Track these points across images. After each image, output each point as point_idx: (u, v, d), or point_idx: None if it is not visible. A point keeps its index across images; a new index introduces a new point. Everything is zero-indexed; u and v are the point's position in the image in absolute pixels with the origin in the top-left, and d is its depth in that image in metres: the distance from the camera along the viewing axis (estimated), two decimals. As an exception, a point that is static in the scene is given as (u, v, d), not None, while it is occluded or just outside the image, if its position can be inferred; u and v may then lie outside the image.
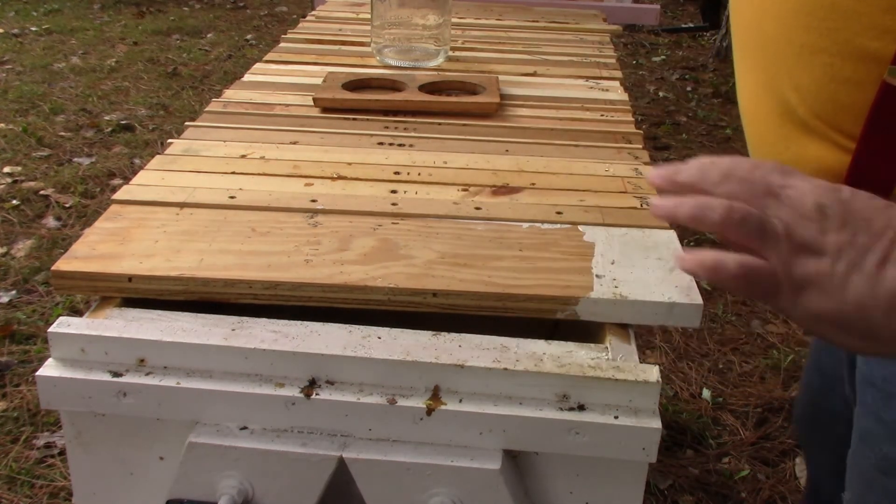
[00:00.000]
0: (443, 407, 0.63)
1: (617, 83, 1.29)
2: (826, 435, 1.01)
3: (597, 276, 0.73)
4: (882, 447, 0.72)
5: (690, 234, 2.69)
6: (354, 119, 1.09)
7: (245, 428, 0.65)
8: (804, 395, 1.09)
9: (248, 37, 5.16)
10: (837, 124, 0.66)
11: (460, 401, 0.64)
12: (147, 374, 0.65)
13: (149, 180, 0.88)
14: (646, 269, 0.75)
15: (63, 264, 0.71)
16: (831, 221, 0.53)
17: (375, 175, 0.91)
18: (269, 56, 1.37)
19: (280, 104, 1.13)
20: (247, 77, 1.25)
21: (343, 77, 1.19)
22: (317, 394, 0.64)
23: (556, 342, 0.69)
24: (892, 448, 0.71)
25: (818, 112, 0.67)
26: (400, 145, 1.00)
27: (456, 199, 0.86)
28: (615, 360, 0.66)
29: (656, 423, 0.63)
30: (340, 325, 0.69)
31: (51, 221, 2.69)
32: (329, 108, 1.11)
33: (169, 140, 0.99)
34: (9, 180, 2.97)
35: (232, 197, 0.85)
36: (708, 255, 0.56)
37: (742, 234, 0.55)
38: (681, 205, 0.57)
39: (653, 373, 0.64)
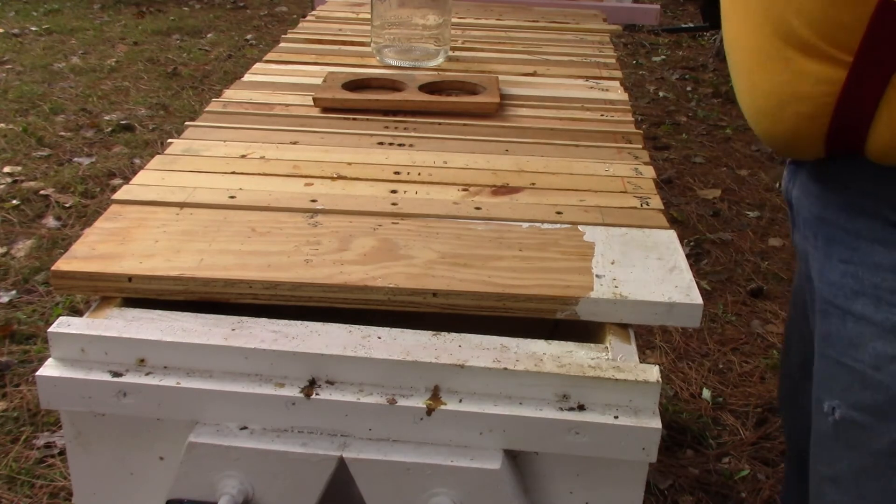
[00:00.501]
0: (443, 407, 0.63)
1: (617, 83, 1.29)
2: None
3: (597, 276, 0.73)
4: (875, 346, 0.77)
5: (690, 234, 2.69)
6: (354, 119, 1.09)
7: (245, 428, 0.65)
8: (789, 364, 1.14)
9: (248, 37, 5.16)
10: (837, 41, 0.71)
11: (460, 401, 0.64)
12: (147, 374, 0.65)
13: (149, 180, 0.88)
14: (646, 269, 0.75)
15: (63, 264, 0.71)
16: None
17: (375, 175, 0.91)
18: (269, 56, 1.37)
19: (280, 104, 1.13)
20: (247, 77, 1.25)
21: (343, 77, 1.19)
22: (317, 394, 0.64)
23: (556, 342, 0.69)
24: (884, 344, 0.76)
25: (820, 32, 0.72)
26: (400, 145, 1.00)
27: (456, 199, 0.86)
28: (615, 360, 0.66)
29: (656, 423, 0.63)
30: (340, 325, 0.69)
31: (51, 221, 2.69)
32: (329, 108, 1.11)
33: (169, 140, 0.99)
34: (9, 180, 2.96)
35: (232, 197, 0.85)
36: None
37: None
38: None
39: (653, 373, 0.64)
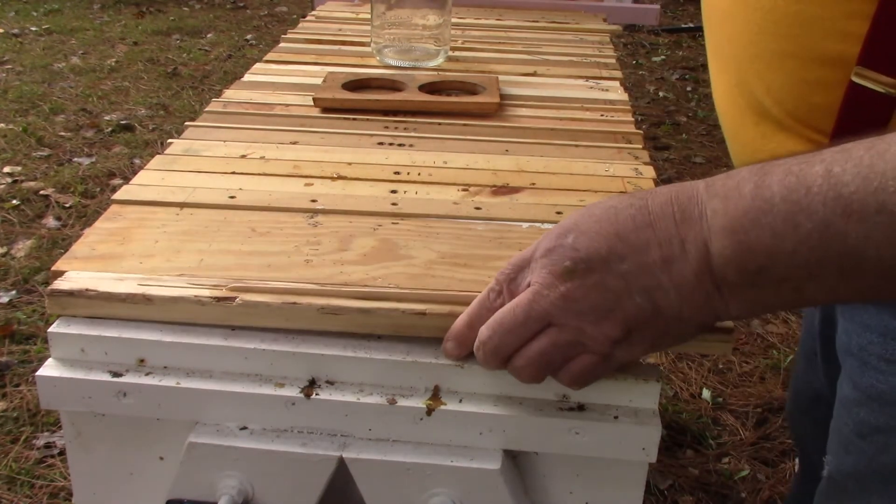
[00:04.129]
0: (443, 407, 0.63)
1: (617, 83, 1.29)
2: (811, 416, 1.05)
3: (597, 276, 0.73)
4: (859, 412, 0.74)
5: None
6: (354, 119, 1.09)
7: (245, 428, 0.65)
8: (793, 382, 1.13)
9: (248, 37, 5.16)
10: (811, 122, 0.70)
11: (460, 401, 0.64)
12: (147, 374, 0.65)
13: (149, 180, 0.88)
14: (646, 269, 0.75)
15: (63, 264, 0.71)
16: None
17: (375, 175, 0.91)
18: (269, 56, 1.37)
19: (280, 104, 1.13)
20: (247, 77, 1.25)
21: (343, 77, 1.19)
22: (317, 394, 0.64)
23: (556, 342, 0.69)
24: (868, 413, 0.73)
25: (791, 112, 0.70)
26: (400, 145, 1.00)
27: (456, 199, 0.86)
28: (615, 360, 0.66)
29: (656, 423, 0.63)
30: (340, 325, 0.68)
31: (51, 221, 2.69)
32: (329, 108, 1.11)
33: (169, 140, 0.99)
34: (9, 180, 2.96)
35: (232, 197, 0.85)
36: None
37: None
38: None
39: (653, 373, 0.64)
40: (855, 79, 0.65)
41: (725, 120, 0.80)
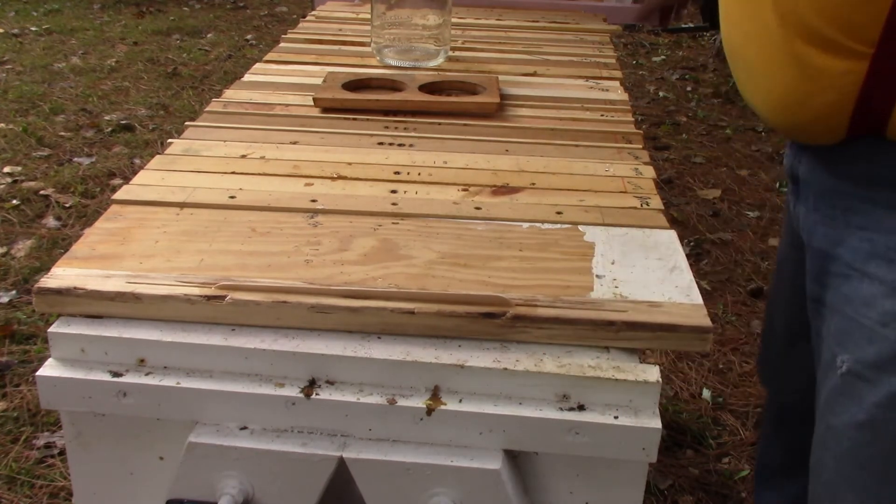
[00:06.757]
0: (443, 407, 0.63)
1: (617, 83, 1.29)
2: (791, 352, 1.10)
3: (597, 276, 0.73)
4: (884, 303, 0.81)
5: (690, 234, 2.69)
6: (354, 119, 1.09)
7: (245, 428, 0.65)
8: (776, 318, 1.17)
9: (248, 37, 5.16)
10: (858, 35, 0.75)
11: (460, 401, 0.64)
12: (147, 374, 0.65)
13: (149, 180, 0.88)
14: (646, 269, 0.75)
15: (63, 264, 0.71)
16: None
17: (375, 175, 0.91)
18: (269, 56, 1.37)
19: (280, 104, 1.13)
20: (247, 77, 1.25)
21: (343, 77, 1.19)
22: (317, 394, 0.64)
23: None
24: (892, 302, 0.80)
25: (842, 28, 0.76)
26: (400, 145, 1.00)
27: (456, 199, 0.86)
28: (615, 360, 0.66)
29: (656, 423, 0.63)
30: (340, 325, 0.69)
31: (51, 221, 2.69)
32: (329, 108, 1.11)
33: (169, 140, 0.99)
34: (9, 180, 2.96)
35: (232, 197, 0.85)
36: None
37: None
38: None
39: (653, 373, 0.64)
40: None
41: (755, 56, 0.84)
